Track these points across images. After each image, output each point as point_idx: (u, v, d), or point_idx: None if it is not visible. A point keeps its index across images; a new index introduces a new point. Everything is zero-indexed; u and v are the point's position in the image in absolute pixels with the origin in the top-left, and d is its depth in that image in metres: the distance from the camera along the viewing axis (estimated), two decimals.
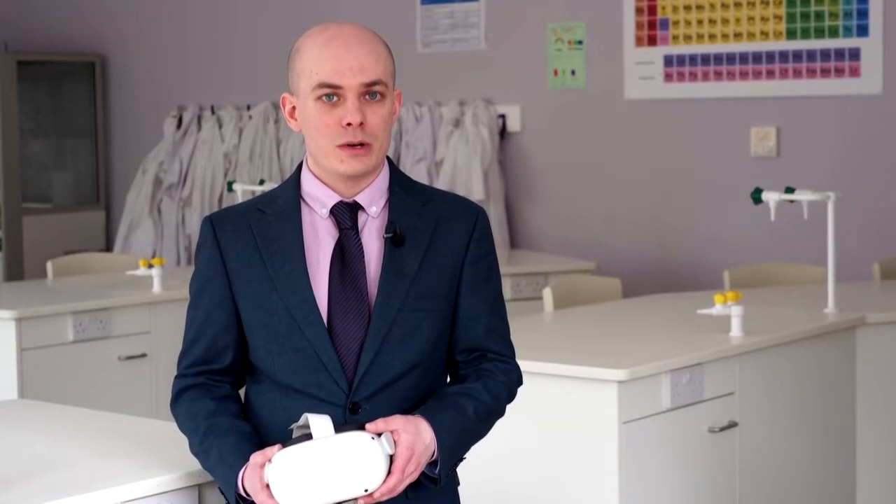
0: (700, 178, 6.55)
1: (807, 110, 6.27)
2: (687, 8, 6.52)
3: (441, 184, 6.85)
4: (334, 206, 2.38)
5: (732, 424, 3.94)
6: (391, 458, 2.23)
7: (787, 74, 6.28)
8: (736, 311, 4.04)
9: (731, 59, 6.41)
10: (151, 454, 2.62)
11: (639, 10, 6.63)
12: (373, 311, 2.33)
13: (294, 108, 2.40)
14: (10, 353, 4.92)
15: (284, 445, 2.22)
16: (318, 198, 2.39)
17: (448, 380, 2.47)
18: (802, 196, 4.62)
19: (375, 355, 2.33)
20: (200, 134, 7.79)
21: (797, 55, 6.26)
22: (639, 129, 6.69)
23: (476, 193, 6.79)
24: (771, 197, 4.60)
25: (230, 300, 2.39)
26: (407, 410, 2.34)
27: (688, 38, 6.52)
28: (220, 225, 2.42)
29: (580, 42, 6.82)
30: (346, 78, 2.31)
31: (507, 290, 5.71)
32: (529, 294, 5.87)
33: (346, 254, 2.35)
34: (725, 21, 6.43)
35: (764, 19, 6.33)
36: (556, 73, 6.90)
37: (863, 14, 6.10)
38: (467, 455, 2.41)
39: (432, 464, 2.31)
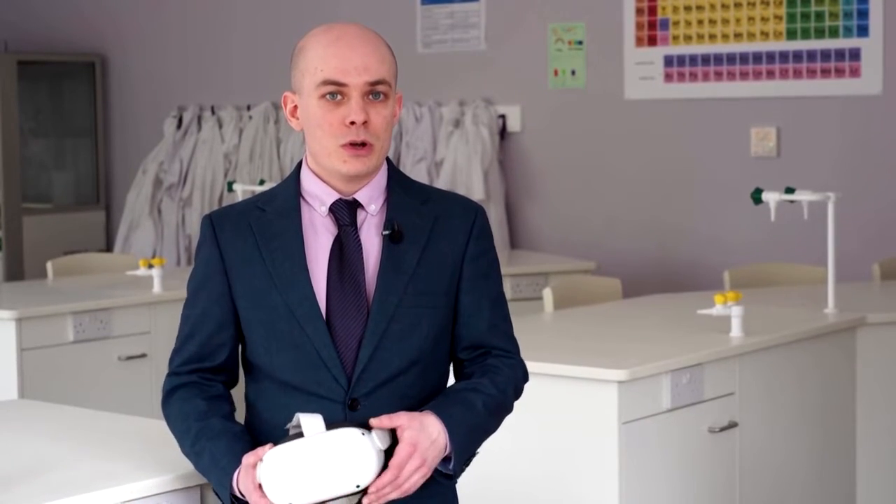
0: (700, 178, 6.55)
1: (807, 110, 6.27)
2: (687, 8, 6.52)
3: (441, 184, 6.85)
4: (333, 203, 2.38)
5: (732, 425, 3.94)
6: (386, 454, 2.22)
7: (788, 75, 6.28)
8: (736, 312, 4.04)
9: (731, 59, 6.41)
10: (151, 454, 2.62)
11: (639, 11, 6.63)
12: (371, 308, 2.34)
13: (296, 106, 2.41)
14: (10, 353, 4.92)
15: (276, 445, 2.22)
16: (318, 195, 2.39)
17: (452, 378, 2.47)
18: (802, 196, 4.62)
19: (374, 351, 2.33)
20: (200, 134, 7.79)
21: (797, 55, 6.26)
22: (639, 130, 6.69)
23: (476, 193, 6.79)
24: (771, 197, 4.60)
25: (228, 298, 2.40)
26: (407, 407, 2.34)
27: (688, 38, 6.52)
28: (219, 223, 2.42)
29: (580, 42, 6.82)
30: (351, 77, 2.32)
31: (508, 291, 5.70)
32: (529, 294, 5.87)
33: (345, 250, 2.36)
34: (725, 21, 6.43)
35: (764, 19, 6.33)
36: (556, 73, 6.90)
37: (863, 14, 6.10)
38: (479, 451, 2.40)
39: (446, 460, 2.30)
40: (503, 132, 7.04)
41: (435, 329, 2.39)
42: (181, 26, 8.10)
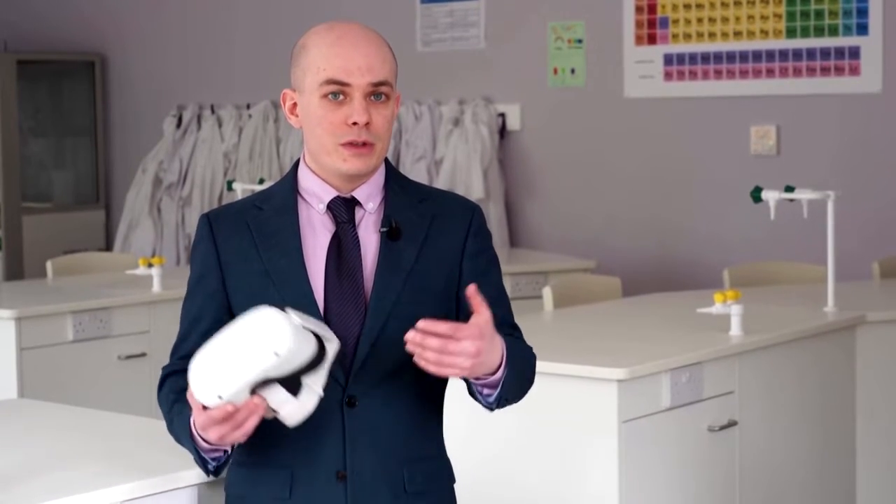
0: (700, 176, 6.55)
1: (807, 109, 6.27)
2: (687, 6, 6.52)
3: (441, 183, 6.85)
4: (331, 200, 2.38)
5: (732, 423, 3.94)
6: (310, 333, 2.16)
7: (787, 73, 6.28)
8: (735, 310, 4.04)
9: (730, 57, 6.41)
10: (151, 454, 2.62)
11: (639, 9, 6.63)
12: (369, 305, 2.34)
13: (295, 104, 2.41)
14: (9, 353, 4.92)
15: None
16: (316, 193, 2.39)
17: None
18: (802, 195, 4.62)
19: (371, 349, 2.33)
20: (200, 133, 7.79)
21: (797, 54, 6.26)
22: (639, 128, 6.69)
23: (476, 192, 6.79)
24: (771, 196, 4.60)
25: (223, 294, 2.40)
26: (405, 404, 2.35)
27: (688, 36, 6.52)
28: (216, 221, 2.42)
29: (580, 41, 6.82)
30: (355, 77, 2.32)
31: (507, 290, 5.69)
32: (529, 293, 5.86)
33: (343, 247, 2.36)
34: (725, 20, 6.43)
35: (764, 18, 6.33)
36: (555, 71, 6.90)
37: (862, 13, 6.10)
38: (509, 397, 2.35)
39: (488, 389, 2.28)
40: (503, 131, 7.04)
41: None
42: (181, 25, 8.10)
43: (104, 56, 8.38)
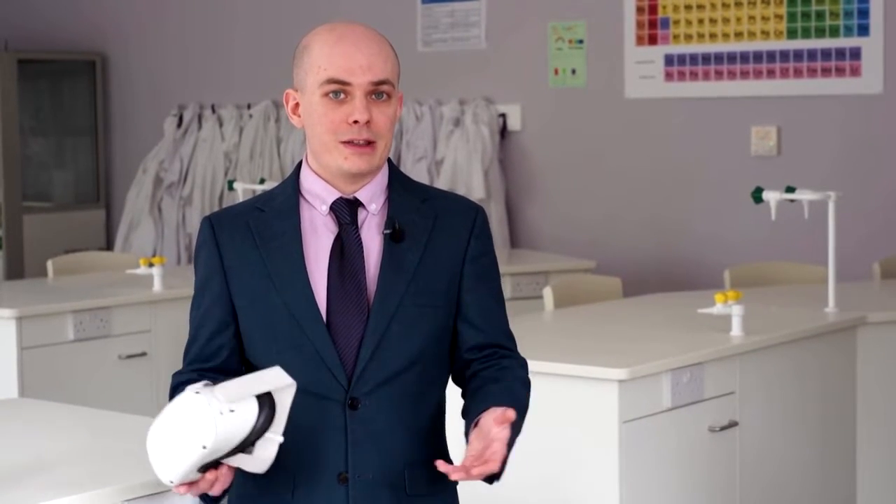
0: (700, 177, 6.55)
1: (807, 109, 6.27)
2: (688, 7, 6.52)
3: (441, 183, 6.85)
4: (334, 202, 2.38)
5: (732, 424, 3.94)
6: (252, 399, 2.17)
7: (788, 74, 6.28)
8: (736, 311, 4.04)
9: (731, 58, 6.41)
10: None
11: (639, 10, 6.63)
12: (372, 307, 2.33)
13: (297, 104, 2.41)
14: (10, 352, 4.92)
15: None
16: (318, 194, 2.39)
17: (462, 377, 2.46)
18: (803, 195, 4.62)
19: (374, 351, 2.33)
20: (201, 133, 7.79)
21: (798, 54, 6.26)
22: (639, 129, 6.69)
23: (476, 192, 6.79)
24: (771, 196, 4.60)
25: (227, 298, 2.39)
26: (407, 407, 2.35)
27: (688, 37, 6.52)
28: (218, 224, 2.42)
29: (581, 41, 6.82)
30: (356, 76, 2.32)
31: (508, 290, 5.71)
32: (530, 293, 5.86)
33: (346, 249, 2.36)
34: (726, 20, 6.42)
35: (764, 19, 6.33)
36: (556, 72, 6.90)
37: (863, 13, 6.10)
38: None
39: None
40: (503, 131, 7.04)
41: (435, 328, 2.38)
42: (181, 25, 8.10)
43: (105, 55, 8.38)
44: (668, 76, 6.57)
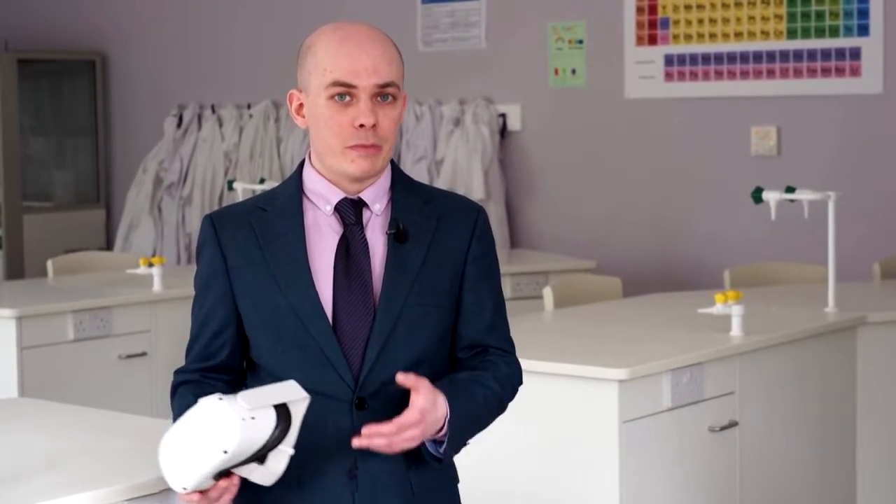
0: (700, 177, 6.55)
1: (807, 110, 6.27)
2: (687, 7, 6.52)
3: (441, 183, 6.85)
4: (339, 202, 2.38)
5: (732, 424, 3.94)
6: (270, 409, 2.19)
7: (788, 74, 6.28)
8: (736, 311, 4.04)
9: (731, 58, 6.41)
10: (151, 453, 2.61)
11: (639, 10, 6.62)
12: (377, 308, 2.33)
13: (301, 105, 2.40)
14: (10, 352, 4.92)
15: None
16: (322, 194, 2.39)
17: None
18: (803, 195, 4.62)
19: (381, 351, 2.33)
20: (201, 132, 7.79)
21: (798, 54, 6.26)
22: (639, 129, 6.69)
23: (476, 192, 6.79)
24: (771, 196, 4.60)
25: (230, 298, 2.39)
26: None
27: (688, 37, 6.52)
28: (220, 223, 2.42)
29: (581, 41, 6.82)
30: (361, 78, 2.32)
31: (508, 290, 5.71)
32: (530, 293, 5.86)
33: (351, 249, 2.36)
34: (726, 20, 6.42)
35: (764, 19, 6.33)
36: (556, 72, 6.90)
37: (863, 13, 6.10)
38: (470, 442, 2.41)
39: (438, 444, 2.31)
40: (503, 131, 7.04)
41: (439, 328, 2.39)
42: (182, 25, 8.10)
43: (105, 55, 8.38)
44: (668, 76, 6.57)
